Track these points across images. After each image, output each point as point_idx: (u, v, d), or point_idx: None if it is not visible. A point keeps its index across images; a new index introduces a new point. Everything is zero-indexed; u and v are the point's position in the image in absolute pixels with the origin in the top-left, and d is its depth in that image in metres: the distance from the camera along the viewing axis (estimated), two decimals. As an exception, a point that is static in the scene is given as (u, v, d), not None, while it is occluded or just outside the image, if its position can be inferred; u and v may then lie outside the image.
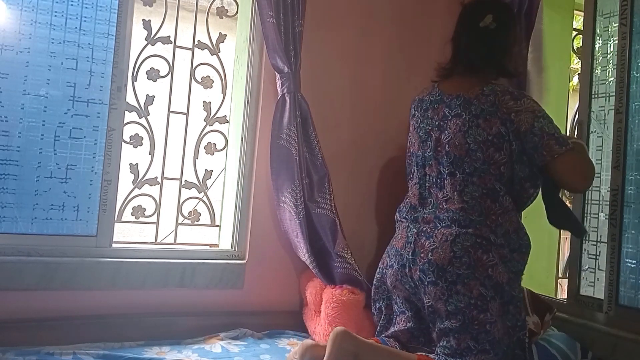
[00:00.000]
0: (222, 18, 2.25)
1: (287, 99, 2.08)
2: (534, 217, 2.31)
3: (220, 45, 2.24)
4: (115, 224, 2.02)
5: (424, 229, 1.68)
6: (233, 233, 2.18)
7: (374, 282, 1.91)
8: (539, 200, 2.22)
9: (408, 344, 1.76)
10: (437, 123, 1.71)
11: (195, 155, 2.21)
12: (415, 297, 1.72)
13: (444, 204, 1.66)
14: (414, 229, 1.72)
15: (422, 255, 1.64)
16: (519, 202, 1.71)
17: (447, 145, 1.65)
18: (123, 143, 2.03)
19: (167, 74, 2.15)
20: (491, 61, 1.71)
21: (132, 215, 2.10)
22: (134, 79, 2.07)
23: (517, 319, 1.62)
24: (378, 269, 1.90)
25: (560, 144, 1.59)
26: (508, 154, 1.62)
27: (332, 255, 2.05)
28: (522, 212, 2.11)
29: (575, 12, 2.49)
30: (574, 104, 2.39)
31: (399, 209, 1.87)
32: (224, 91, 2.25)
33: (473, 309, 1.56)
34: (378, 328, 1.89)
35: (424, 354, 1.64)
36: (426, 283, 1.63)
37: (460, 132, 1.63)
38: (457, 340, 1.58)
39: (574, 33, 2.45)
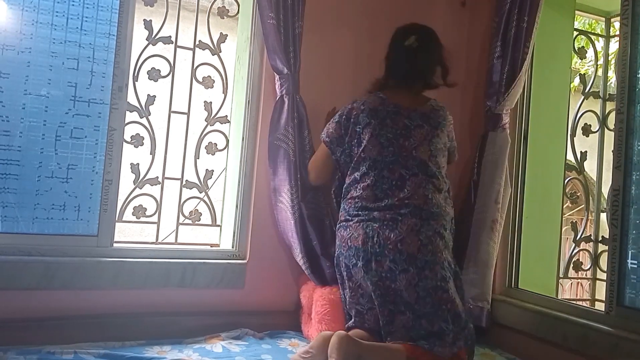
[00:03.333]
0: (223, 18, 2.26)
1: (286, 100, 2.08)
2: (535, 217, 2.31)
3: (221, 45, 2.24)
4: (116, 223, 2.03)
5: (386, 223, 1.80)
6: (234, 233, 2.19)
7: (344, 280, 1.94)
8: (540, 203, 2.26)
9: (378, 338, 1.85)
10: (399, 132, 1.89)
11: (196, 155, 2.21)
12: (380, 290, 1.79)
13: (405, 200, 1.82)
14: (374, 224, 1.81)
15: (390, 247, 1.77)
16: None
17: (413, 151, 1.87)
18: (124, 143, 2.03)
19: (168, 74, 2.15)
20: (418, 75, 1.97)
21: (133, 215, 2.10)
22: (135, 78, 2.07)
23: (463, 291, 1.91)
24: (338, 269, 1.95)
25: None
26: (447, 157, 2.01)
27: (323, 256, 2.06)
28: (525, 212, 2.31)
29: (576, 12, 2.49)
30: (574, 105, 2.38)
31: (344, 210, 1.91)
32: (224, 91, 2.25)
33: (438, 290, 1.76)
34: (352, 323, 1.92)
35: (408, 343, 1.74)
36: (397, 272, 1.76)
37: (426, 140, 1.89)
38: (430, 323, 1.75)
39: (575, 33, 2.45)
